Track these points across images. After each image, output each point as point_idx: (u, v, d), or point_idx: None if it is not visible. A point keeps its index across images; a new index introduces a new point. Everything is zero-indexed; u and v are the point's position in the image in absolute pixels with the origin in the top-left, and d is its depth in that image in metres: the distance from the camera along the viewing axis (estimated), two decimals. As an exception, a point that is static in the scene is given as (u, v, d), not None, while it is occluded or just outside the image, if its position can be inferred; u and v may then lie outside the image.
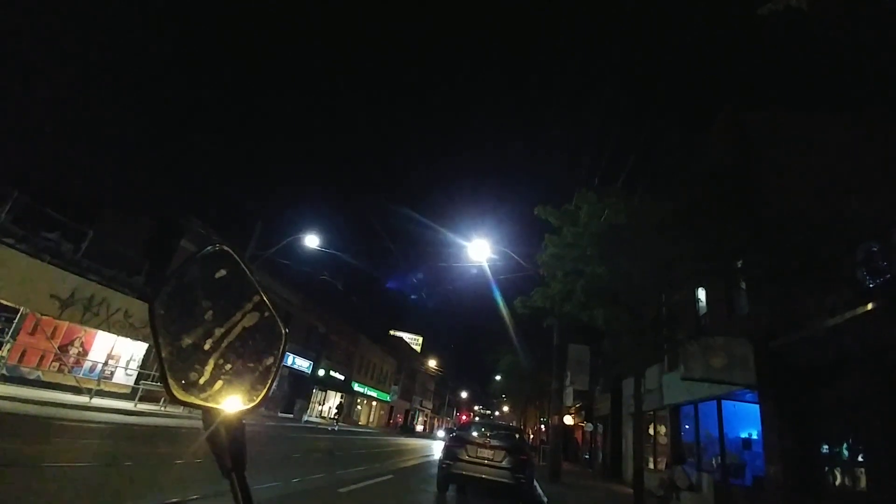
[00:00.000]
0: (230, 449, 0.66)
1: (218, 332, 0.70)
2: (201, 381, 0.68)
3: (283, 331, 0.75)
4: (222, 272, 0.75)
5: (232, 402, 0.68)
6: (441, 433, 41.05)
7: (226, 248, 0.77)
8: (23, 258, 12.96)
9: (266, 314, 0.75)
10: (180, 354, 0.69)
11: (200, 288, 0.73)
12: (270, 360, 0.73)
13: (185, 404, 0.68)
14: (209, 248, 0.77)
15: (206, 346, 0.69)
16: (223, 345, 0.70)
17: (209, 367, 0.69)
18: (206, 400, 0.68)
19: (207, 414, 0.67)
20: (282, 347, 0.74)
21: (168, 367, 0.68)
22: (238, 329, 0.72)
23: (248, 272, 0.76)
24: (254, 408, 0.70)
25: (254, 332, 0.73)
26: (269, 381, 0.72)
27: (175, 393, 0.67)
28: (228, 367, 0.70)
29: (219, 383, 0.69)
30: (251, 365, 0.72)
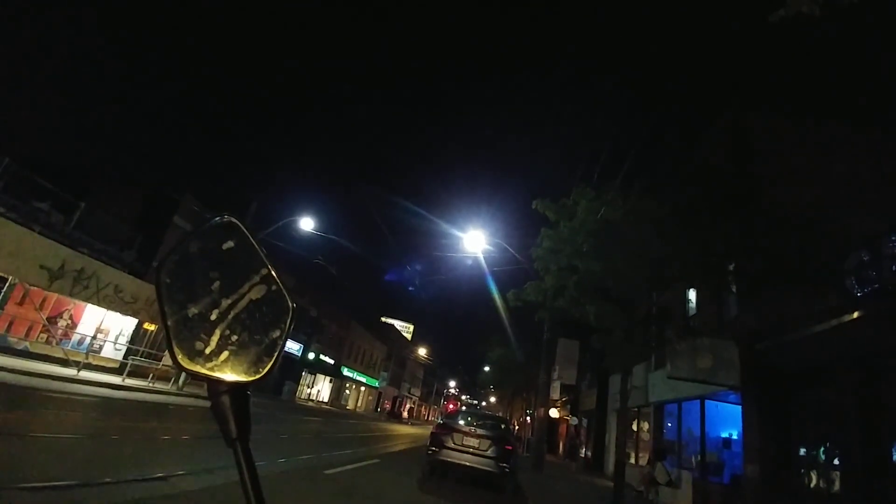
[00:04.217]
0: (235, 419, 0.66)
1: (224, 303, 0.70)
2: (207, 350, 0.68)
3: (291, 305, 0.75)
4: (230, 244, 0.74)
5: (237, 373, 0.68)
6: None
7: (234, 219, 0.76)
8: (12, 227, 12.79)
9: (273, 287, 0.74)
10: (186, 324, 0.69)
11: (207, 258, 0.73)
12: (277, 334, 0.73)
13: (190, 373, 0.68)
14: (217, 218, 0.76)
15: (213, 317, 0.69)
16: (230, 316, 0.70)
17: (215, 338, 0.69)
18: (211, 370, 0.68)
19: (213, 384, 0.67)
20: (289, 321, 0.74)
21: (174, 336, 0.68)
22: (245, 301, 0.71)
23: (256, 245, 0.76)
24: (259, 379, 0.70)
25: (261, 305, 0.73)
26: (276, 354, 0.72)
27: (181, 362, 0.67)
28: (235, 338, 0.70)
29: (224, 354, 0.69)
30: (257, 337, 0.71)
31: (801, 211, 8.58)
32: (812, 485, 8.00)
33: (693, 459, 12.26)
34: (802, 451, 8.49)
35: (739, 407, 10.18)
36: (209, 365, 0.68)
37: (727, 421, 11.53)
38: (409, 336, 69.44)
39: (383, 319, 61.25)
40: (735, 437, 11.25)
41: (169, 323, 0.68)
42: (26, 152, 14.92)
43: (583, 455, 24.23)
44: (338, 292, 37.20)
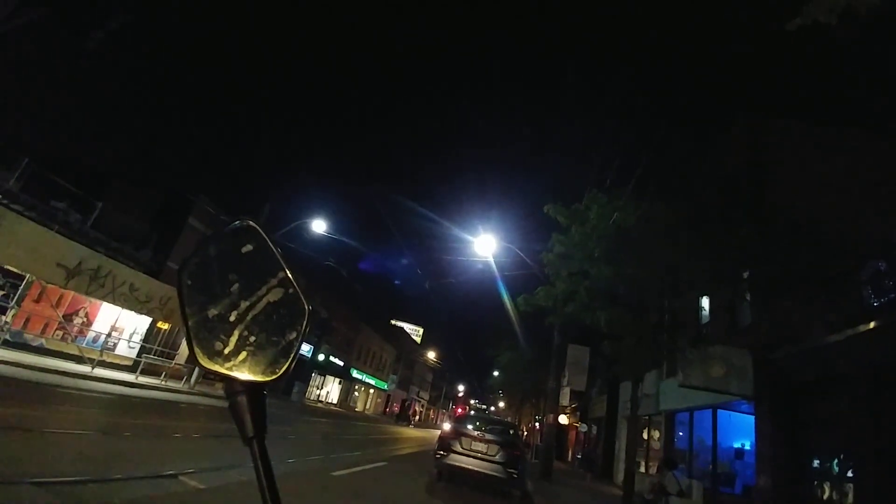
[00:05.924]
0: (252, 418, 0.68)
1: (243, 304, 0.73)
2: (226, 350, 0.71)
3: (307, 307, 0.77)
4: (248, 247, 0.77)
5: (254, 374, 0.71)
6: None
7: (252, 223, 0.79)
8: (30, 225, 13.05)
9: (290, 290, 0.77)
10: (206, 324, 0.71)
11: (227, 261, 0.75)
12: (293, 335, 0.75)
13: (209, 372, 0.70)
14: (236, 222, 0.78)
15: (232, 318, 0.72)
16: (248, 317, 0.72)
17: (234, 338, 0.71)
18: (229, 369, 0.70)
19: (230, 383, 0.70)
20: (305, 323, 0.76)
21: (194, 336, 0.70)
22: (263, 303, 0.74)
23: (273, 249, 0.78)
24: (276, 380, 0.72)
25: (278, 307, 0.75)
26: (292, 355, 0.74)
27: (201, 360, 0.70)
28: (253, 339, 0.72)
29: (243, 354, 0.71)
30: (275, 338, 0.74)
31: (817, 219, 8.46)
32: (825, 497, 7.85)
33: (704, 469, 12.09)
34: (816, 463, 8.34)
35: (752, 417, 10.03)
36: (227, 365, 0.70)
37: (740, 431, 11.36)
38: (418, 339, 69.43)
39: (393, 322, 61.33)
40: (748, 447, 11.07)
41: (190, 323, 0.71)
42: (45, 152, 15.23)
43: (592, 462, 23.99)
44: (348, 294, 37.35)
